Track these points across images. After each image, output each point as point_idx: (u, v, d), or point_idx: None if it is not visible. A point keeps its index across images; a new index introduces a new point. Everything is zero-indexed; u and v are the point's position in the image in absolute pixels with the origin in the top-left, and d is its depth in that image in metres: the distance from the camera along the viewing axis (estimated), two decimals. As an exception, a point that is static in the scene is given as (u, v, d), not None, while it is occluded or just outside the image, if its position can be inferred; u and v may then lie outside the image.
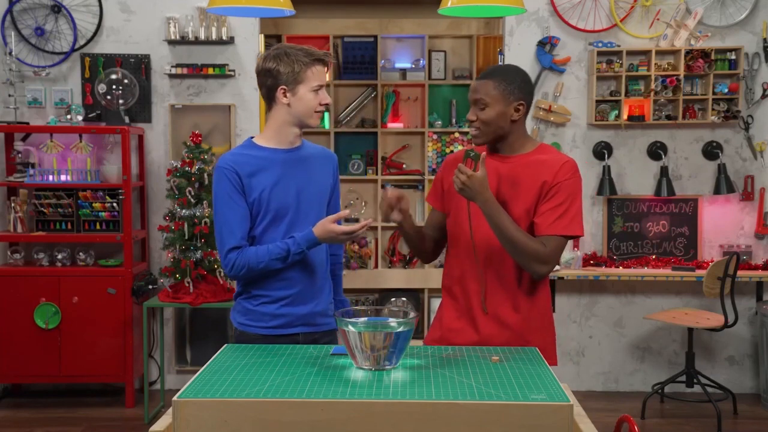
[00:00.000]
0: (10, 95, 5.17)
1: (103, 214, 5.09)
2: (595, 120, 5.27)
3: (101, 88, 5.13)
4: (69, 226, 5.11)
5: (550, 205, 2.52)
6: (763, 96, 5.29)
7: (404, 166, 6.57)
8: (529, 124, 5.36)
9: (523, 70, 2.65)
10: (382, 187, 6.43)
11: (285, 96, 2.66)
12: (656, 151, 5.37)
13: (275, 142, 2.74)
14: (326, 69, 2.70)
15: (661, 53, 5.28)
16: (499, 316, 2.59)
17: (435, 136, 6.47)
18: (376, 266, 6.49)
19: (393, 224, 2.73)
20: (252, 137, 2.79)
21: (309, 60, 2.64)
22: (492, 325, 2.59)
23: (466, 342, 2.58)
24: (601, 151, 5.36)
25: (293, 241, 2.66)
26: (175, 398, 1.96)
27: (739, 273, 5.02)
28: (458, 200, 2.63)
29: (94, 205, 5.08)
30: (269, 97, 2.71)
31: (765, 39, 5.26)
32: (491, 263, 2.59)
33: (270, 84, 2.68)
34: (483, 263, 2.59)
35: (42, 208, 5.10)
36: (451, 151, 6.34)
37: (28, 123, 5.25)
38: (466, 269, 2.62)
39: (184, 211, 4.81)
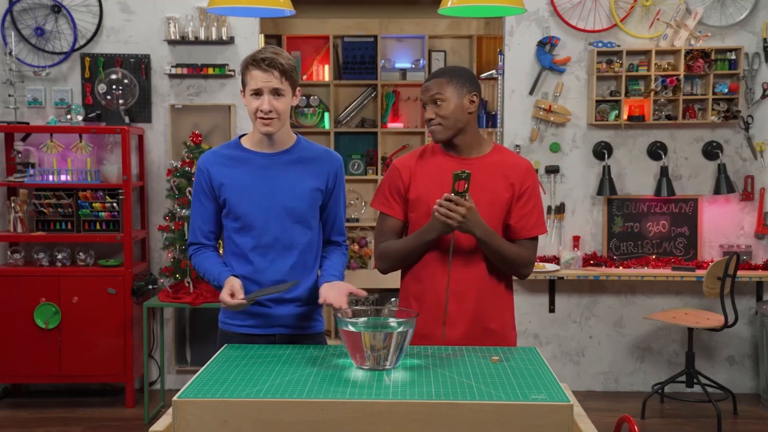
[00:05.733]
0: (10, 95, 5.17)
1: (103, 214, 5.09)
2: (595, 120, 5.27)
3: (101, 88, 5.13)
4: (69, 226, 5.11)
5: (525, 210, 2.64)
6: (763, 96, 5.29)
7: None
8: (529, 124, 5.36)
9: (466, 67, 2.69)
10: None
11: (243, 98, 2.66)
12: (656, 151, 5.37)
13: (257, 145, 2.68)
14: (267, 73, 2.53)
15: (661, 53, 5.28)
16: (470, 312, 2.62)
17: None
18: (376, 266, 6.47)
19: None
20: (242, 135, 2.74)
21: (247, 63, 2.59)
22: (461, 322, 2.62)
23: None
24: (601, 151, 5.36)
25: (218, 275, 2.65)
26: (175, 398, 1.96)
27: (739, 273, 5.03)
28: (428, 207, 2.61)
29: (94, 205, 5.08)
30: None
31: (765, 39, 5.26)
32: (464, 264, 2.62)
33: None
34: (457, 266, 2.62)
35: (42, 208, 5.10)
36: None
37: (28, 123, 5.25)
38: (437, 273, 2.63)
39: (184, 211, 4.81)
